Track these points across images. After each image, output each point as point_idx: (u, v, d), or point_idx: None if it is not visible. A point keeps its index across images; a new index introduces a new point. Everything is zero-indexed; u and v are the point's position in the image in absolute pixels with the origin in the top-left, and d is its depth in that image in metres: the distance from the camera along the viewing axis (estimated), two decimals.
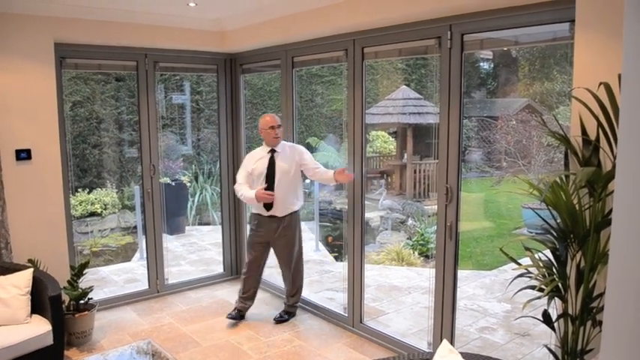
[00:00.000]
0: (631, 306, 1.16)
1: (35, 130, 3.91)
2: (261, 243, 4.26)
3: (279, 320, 4.34)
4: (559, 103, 8.53)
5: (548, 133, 2.40)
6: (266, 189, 4.01)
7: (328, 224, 8.46)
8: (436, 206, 3.40)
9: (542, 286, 2.25)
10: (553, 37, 2.94)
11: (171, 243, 6.91)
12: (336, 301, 4.67)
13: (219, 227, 5.57)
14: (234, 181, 4.36)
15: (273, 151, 4.14)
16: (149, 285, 4.92)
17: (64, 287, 3.83)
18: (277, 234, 4.17)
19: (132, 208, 7.90)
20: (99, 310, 4.25)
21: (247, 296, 4.36)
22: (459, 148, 3.21)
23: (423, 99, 9.67)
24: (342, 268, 4.85)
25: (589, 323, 2.25)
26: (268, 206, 4.10)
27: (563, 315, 2.30)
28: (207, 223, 8.58)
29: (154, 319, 4.41)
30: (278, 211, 4.12)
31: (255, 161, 4.16)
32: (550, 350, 2.43)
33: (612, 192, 1.55)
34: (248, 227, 4.61)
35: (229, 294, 4.95)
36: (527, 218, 7.38)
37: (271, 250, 4.33)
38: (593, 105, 2.18)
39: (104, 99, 8.07)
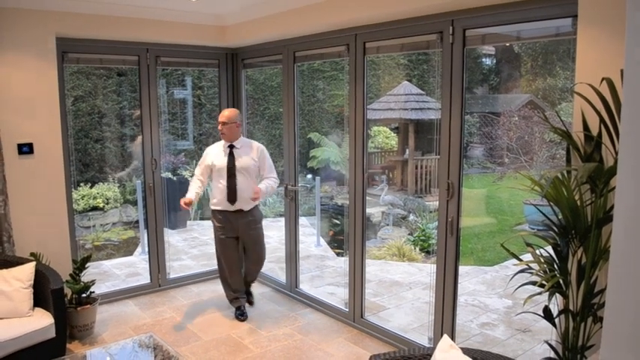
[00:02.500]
0: (632, 302, 1.16)
1: (37, 125, 3.91)
2: (233, 238, 4.26)
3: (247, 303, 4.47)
4: (561, 99, 8.50)
5: (551, 129, 2.39)
6: (227, 183, 4.08)
7: (330, 219, 8.46)
8: (437, 202, 3.40)
9: (544, 282, 2.24)
10: (556, 32, 2.93)
11: (172, 237, 6.93)
12: (337, 296, 4.68)
13: None
14: None
15: (232, 146, 4.13)
16: (151, 279, 4.94)
17: (67, 281, 3.85)
18: (248, 228, 4.20)
19: (134, 203, 7.91)
20: (101, 303, 4.27)
21: (241, 292, 4.38)
22: (460, 143, 3.21)
23: (425, 94, 9.64)
24: (342, 263, 4.86)
25: (590, 319, 2.25)
26: (232, 200, 4.12)
27: (564, 311, 2.30)
28: (209, 218, 8.57)
29: (156, 313, 4.43)
30: (244, 204, 4.14)
31: (213, 156, 4.17)
32: (551, 346, 2.43)
33: (614, 188, 1.54)
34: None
35: None
36: (529, 214, 7.38)
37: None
38: (595, 101, 2.18)
39: (106, 94, 8.07)
